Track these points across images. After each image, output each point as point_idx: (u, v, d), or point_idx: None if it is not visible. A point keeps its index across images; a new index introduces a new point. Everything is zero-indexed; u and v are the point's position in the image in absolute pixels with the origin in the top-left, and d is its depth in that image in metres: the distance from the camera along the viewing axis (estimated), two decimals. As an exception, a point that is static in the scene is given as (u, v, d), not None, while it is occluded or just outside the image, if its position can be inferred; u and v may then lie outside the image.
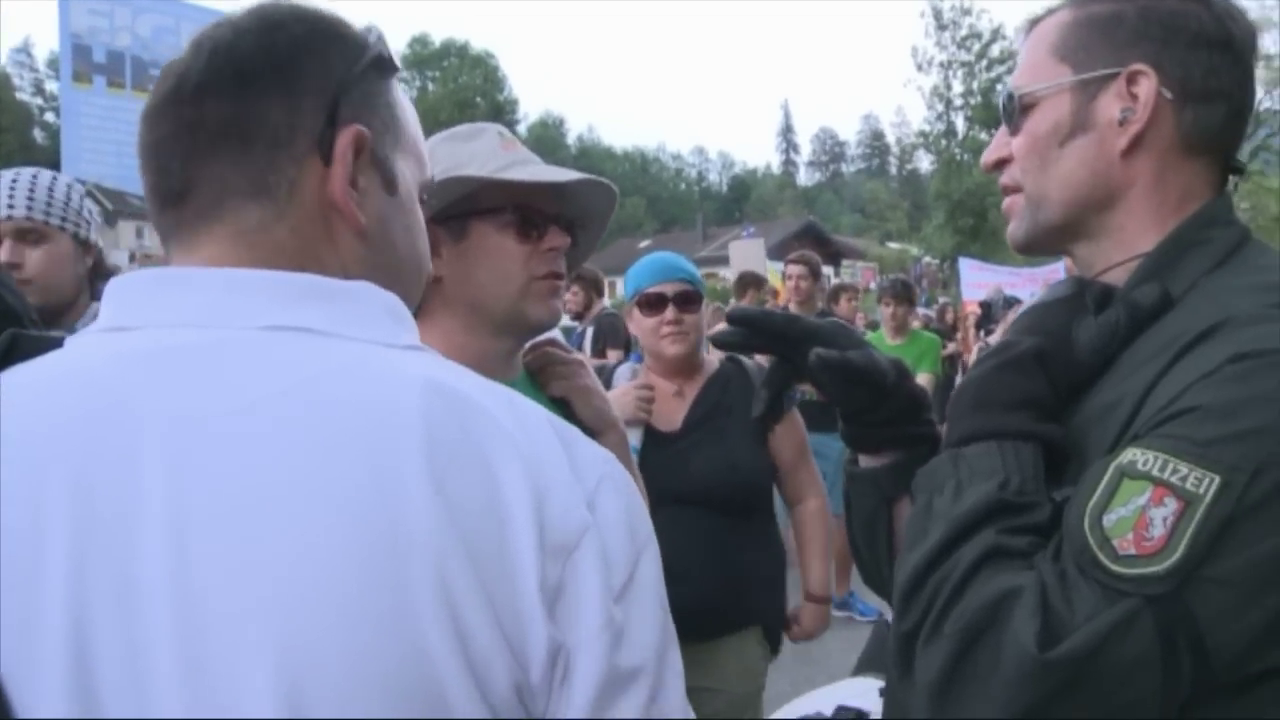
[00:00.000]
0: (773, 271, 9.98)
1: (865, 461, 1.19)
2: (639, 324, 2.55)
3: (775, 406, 1.17)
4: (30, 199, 2.13)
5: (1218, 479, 0.77)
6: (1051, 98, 1.03)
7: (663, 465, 2.31)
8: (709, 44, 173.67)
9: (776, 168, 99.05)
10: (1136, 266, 1.00)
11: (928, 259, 32.22)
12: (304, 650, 0.56)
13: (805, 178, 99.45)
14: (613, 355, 5.71)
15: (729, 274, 11.80)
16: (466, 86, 66.92)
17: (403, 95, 0.83)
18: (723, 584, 2.36)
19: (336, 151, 0.73)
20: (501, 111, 64.78)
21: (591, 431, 1.53)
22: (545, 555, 0.62)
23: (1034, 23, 1.09)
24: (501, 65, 71.74)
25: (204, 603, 0.57)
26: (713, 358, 2.68)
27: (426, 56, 69.06)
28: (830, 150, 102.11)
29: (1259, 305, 0.87)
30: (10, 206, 2.11)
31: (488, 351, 1.45)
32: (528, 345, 1.58)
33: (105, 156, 5.47)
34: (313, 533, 0.58)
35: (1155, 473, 0.80)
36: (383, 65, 0.79)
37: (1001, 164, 1.10)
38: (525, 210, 1.42)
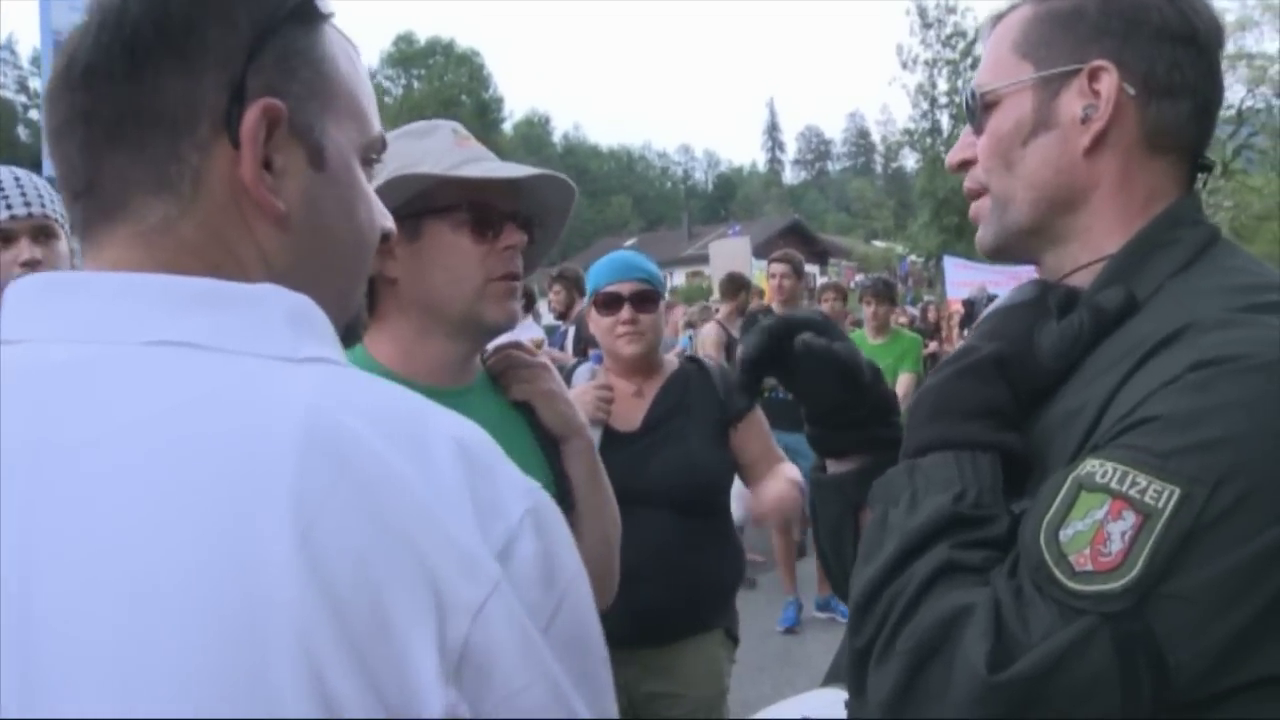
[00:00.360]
0: (758, 271, 9.95)
1: (832, 467, 1.17)
2: (597, 324, 2.51)
3: (752, 389, 1.14)
4: (41, 196, 2.11)
5: (1177, 491, 0.75)
6: (1013, 96, 1.00)
7: (622, 465, 2.25)
8: (694, 42, 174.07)
9: (762, 166, 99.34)
10: (1102, 269, 0.97)
11: (913, 257, 32.23)
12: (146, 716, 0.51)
13: (791, 176, 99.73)
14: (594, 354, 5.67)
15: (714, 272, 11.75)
16: (452, 85, 66.74)
17: (337, 45, 0.73)
18: (684, 585, 2.33)
19: (244, 132, 0.65)
20: (487, 110, 64.71)
21: (556, 437, 1.50)
22: (443, 613, 0.55)
23: (998, 19, 1.06)
24: (487, 64, 71.59)
25: (42, 660, 0.52)
26: (672, 357, 2.64)
27: (411, 55, 68.89)
28: (816, 148, 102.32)
29: (1224, 309, 0.84)
30: (27, 204, 2.08)
31: (443, 355, 1.41)
32: (490, 348, 1.54)
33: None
34: (161, 592, 0.52)
35: (1113, 485, 0.77)
36: (306, 13, 0.69)
37: (966, 165, 1.08)
38: (480, 208, 1.38)
